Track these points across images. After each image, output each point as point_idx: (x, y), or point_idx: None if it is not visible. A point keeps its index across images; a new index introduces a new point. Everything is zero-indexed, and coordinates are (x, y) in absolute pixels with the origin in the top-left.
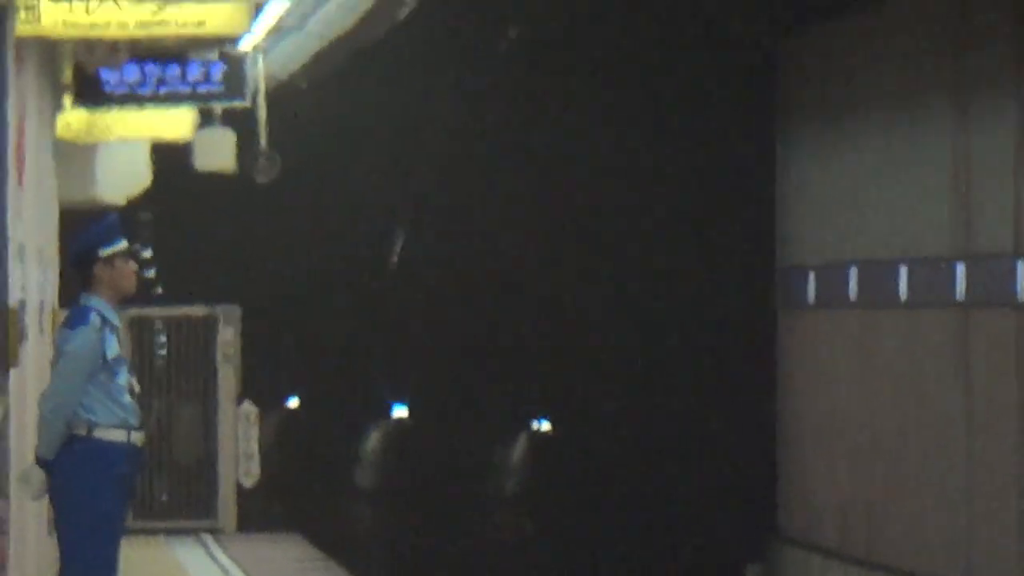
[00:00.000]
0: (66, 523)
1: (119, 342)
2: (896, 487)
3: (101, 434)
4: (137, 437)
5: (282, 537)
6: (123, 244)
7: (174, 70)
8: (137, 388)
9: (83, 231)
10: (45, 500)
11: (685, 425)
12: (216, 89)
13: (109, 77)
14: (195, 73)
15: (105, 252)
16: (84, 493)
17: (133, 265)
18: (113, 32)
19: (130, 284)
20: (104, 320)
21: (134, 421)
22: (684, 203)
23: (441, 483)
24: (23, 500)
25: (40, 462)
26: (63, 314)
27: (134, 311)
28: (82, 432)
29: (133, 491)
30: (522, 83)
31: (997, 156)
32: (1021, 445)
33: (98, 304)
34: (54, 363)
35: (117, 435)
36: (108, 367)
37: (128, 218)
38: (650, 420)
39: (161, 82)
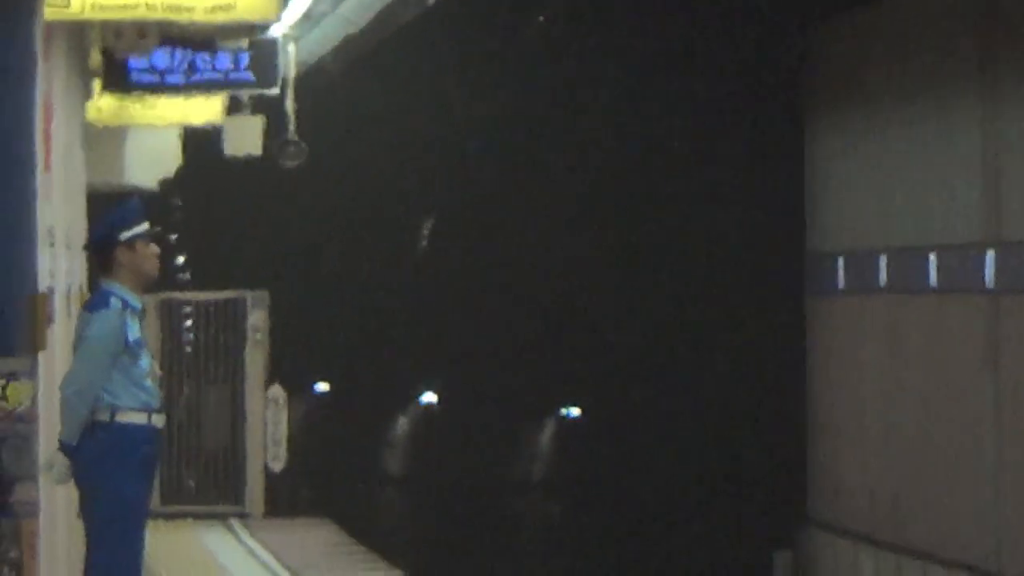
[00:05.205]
0: (91, 507)
1: (141, 326)
2: (925, 472)
3: (123, 418)
4: (158, 419)
5: (310, 522)
6: (144, 227)
7: (204, 57)
8: (159, 372)
9: (104, 215)
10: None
11: (715, 412)
12: (245, 77)
13: (137, 64)
14: (225, 61)
15: (125, 235)
16: (108, 478)
17: (155, 248)
18: (141, 14)
19: (152, 267)
20: (125, 304)
21: (155, 404)
22: (713, 190)
23: (469, 469)
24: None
25: (63, 447)
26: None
27: (163, 295)
28: (105, 418)
29: (154, 472)
30: (552, 68)
31: None
32: None
33: (118, 288)
34: (75, 348)
35: (138, 418)
36: (130, 351)
37: (157, 202)
38: (679, 407)
39: (191, 69)
